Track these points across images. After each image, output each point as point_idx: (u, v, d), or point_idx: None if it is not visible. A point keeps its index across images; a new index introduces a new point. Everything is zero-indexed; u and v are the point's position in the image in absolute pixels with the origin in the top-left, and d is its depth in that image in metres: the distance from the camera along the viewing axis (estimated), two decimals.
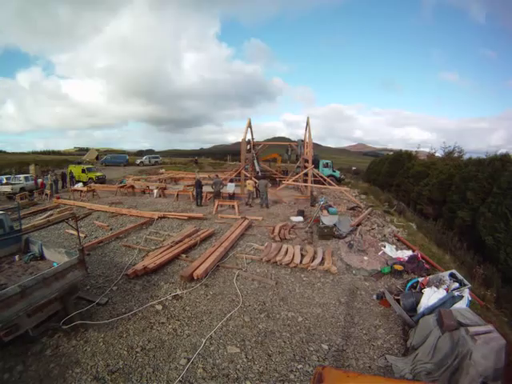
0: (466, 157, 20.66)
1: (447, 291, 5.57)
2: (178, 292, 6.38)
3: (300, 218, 12.41)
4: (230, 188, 16.13)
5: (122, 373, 4.18)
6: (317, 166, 23.54)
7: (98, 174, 25.60)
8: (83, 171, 24.52)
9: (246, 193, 16.09)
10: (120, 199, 17.06)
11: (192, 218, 12.33)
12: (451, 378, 3.82)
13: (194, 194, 15.71)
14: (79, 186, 20.67)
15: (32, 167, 25.91)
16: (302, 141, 22.07)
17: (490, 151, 15.10)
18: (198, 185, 15.24)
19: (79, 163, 31.02)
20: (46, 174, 28.60)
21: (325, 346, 4.81)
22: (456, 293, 5.48)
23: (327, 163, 27.20)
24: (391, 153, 34.03)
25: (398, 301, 5.88)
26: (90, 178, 24.13)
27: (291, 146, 23.65)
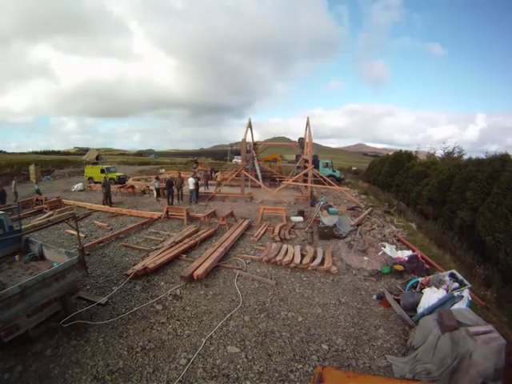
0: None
1: (447, 291, 5.57)
2: (178, 292, 6.38)
3: (300, 218, 12.41)
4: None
5: (122, 373, 4.19)
6: (317, 166, 23.50)
7: (119, 173, 23.84)
8: (102, 171, 22.93)
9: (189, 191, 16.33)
10: (120, 199, 17.06)
11: (193, 217, 12.34)
12: (451, 378, 3.82)
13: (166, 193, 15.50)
14: (79, 186, 20.63)
15: (32, 167, 25.85)
16: (302, 139, 22.05)
17: None
18: (169, 184, 15.15)
19: (96, 164, 29.95)
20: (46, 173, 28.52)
21: (325, 346, 4.81)
22: (456, 293, 5.48)
23: (327, 163, 27.15)
24: (391, 153, 34.08)
25: (398, 301, 5.88)
26: (110, 179, 21.94)
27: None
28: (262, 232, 10.54)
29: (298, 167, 22.30)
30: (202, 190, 18.18)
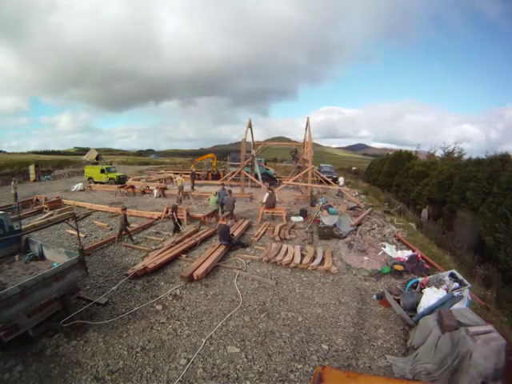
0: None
1: (447, 291, 5.57)
2: (178, 292, 6.38)
3: (300, 218, 12.41)
4: None
5: (122, 373, 4.18)
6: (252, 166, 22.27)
7: (119, 173, 23.66)
8: (102, 171, 22.80)
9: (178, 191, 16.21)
10: (120, 199, 17.06)
11: (193, 218, 12.33)
12: (451, 378, 3.82)
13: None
14: (79, 186, 20.61)
15: (32, 167, 25.85)
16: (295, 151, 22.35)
17: None
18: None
19: (96, 163, 29.79)
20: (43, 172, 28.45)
21: (325, 346, 4.80)
22: (456, 293, 5.48)
23: (259, 161, 26.24)
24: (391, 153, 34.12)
25: (398, 301, 5.88)
26: (110, 179, 22.17)
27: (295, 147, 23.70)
28: (261, 232, 10.54)
29: (299, 167, 22.32)
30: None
